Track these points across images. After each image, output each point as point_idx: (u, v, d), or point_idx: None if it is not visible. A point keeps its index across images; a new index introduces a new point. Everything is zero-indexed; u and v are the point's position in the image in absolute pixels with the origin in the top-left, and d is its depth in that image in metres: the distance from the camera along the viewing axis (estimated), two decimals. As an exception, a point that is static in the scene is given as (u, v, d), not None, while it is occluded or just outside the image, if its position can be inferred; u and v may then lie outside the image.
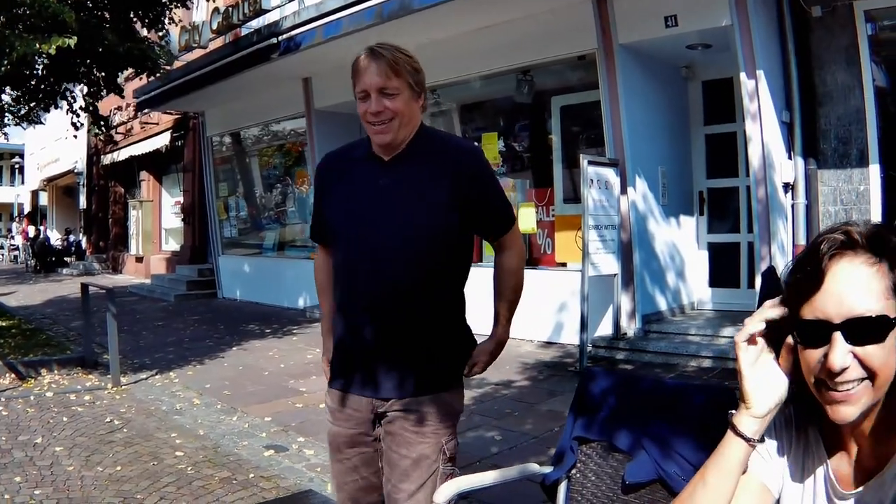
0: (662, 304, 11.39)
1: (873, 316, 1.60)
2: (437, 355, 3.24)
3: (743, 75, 9.74)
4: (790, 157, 10.05)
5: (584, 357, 10.12)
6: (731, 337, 9.68)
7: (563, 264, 12.02)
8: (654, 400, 3.13)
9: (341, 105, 15.11)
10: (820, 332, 1.66)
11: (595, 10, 10.97)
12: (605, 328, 11.14)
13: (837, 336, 1.62)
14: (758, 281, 9.64)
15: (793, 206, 10.06)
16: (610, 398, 3.22)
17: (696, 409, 3.00)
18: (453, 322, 3.39)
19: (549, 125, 12.96)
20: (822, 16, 9.93)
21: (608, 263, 10.69)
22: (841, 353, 1.62)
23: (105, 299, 10.51)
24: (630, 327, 10.93)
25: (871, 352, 1.61)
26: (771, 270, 7.69)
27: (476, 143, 3.44)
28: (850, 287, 1.62)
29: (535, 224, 12.59)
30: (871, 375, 1.63)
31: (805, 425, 1.93)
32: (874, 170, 9.75)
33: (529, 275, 11.45)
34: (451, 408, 3.27)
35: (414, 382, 3.17)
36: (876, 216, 9.68)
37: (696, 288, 12.15)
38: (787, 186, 10.01)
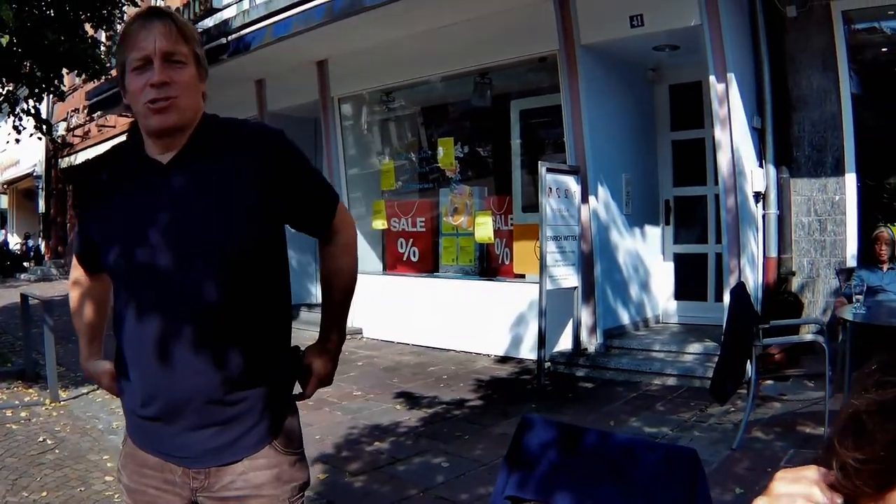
0: (625, 317, 10.85)
1: None
2: (262, 402, 2.46)
3: (712, 78, 9.27)
4: (761, 165, 9.68)
5: (542, 374, 9.57)
6: (698, 354, 9.45)
7: (522, 276, 11.52)
8: (601, 456, 2.73)
9: (295, 108, 14.75)
10: None
11: (557, 10, 10.39)
12: (564, 343, 10.55)
13: None
14: (726, 296, 9.04)
15: (764, 216, 9.72)
16: (550, 452, 2.81)
17: (650, 470, 2.61)
18: (278, 357, 2.58)
19: (507, 130, 12.31)
20: (797, 16, 9.57)
21: (567, 276, 10.15)
22: None
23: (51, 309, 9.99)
24: (591, 343, 10.35)
25: None
26: (741, 286, 7.25)
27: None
28: None
29: (492, 233, 12.01)
30: None
31: None
32: (850, 179, 9.44)
33: (487, 286, 11.08)
34: (287, 477, 2.52)
35: (236, 443, 2.42)
36: (851, 228, 9.40)
37: (661, 301, 11.66)
38: (757, 196, 9.61)
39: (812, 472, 1.12)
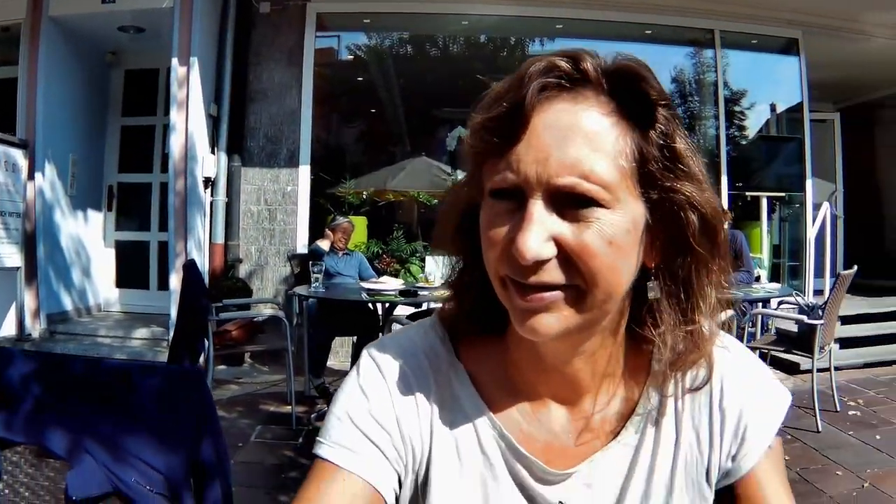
0: (69, 303, 10.33)
1: (595, 189, 1.03)
2: None
3: (175, 61, 9.19)
4: (213, 152, 9.69)
5: (-16, 358, 8.93)
6: (146, 339, 9.18)
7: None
8: (94, 387, 2.46)
9: None
10: (511, 197, 1.07)
11: (31, -25, 9.49)
12: (9, 327, 9.83)
13: (535, 207, 1.04)
14: (171, 281, 9.18)
15: (212, 202, 9.74)
16: (34, 387, 2.47)
17: (152, 394, 2.41)
18: None
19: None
20: (269, 13, 9.91)
21: (11, 255, 9.49)
22: (536, 235, 1.03)
23: None
24: (35, 327, 9.76)
25: (587, 241, 1.04)
26: (192, 263, 7.40)
27: None
28: (568, 140, 1.04)
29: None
30: (582, 279, 1.06)
31: (439, 361, 1.28)
32: (304, 171, 9.91)
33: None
34: None
35: None
36: (302, 217, 9.85)
37: (103, 288, 11.23)
38: (207, 181, 9.63)
39: None
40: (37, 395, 2.44)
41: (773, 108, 12.56)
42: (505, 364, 1.26)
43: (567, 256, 1.04)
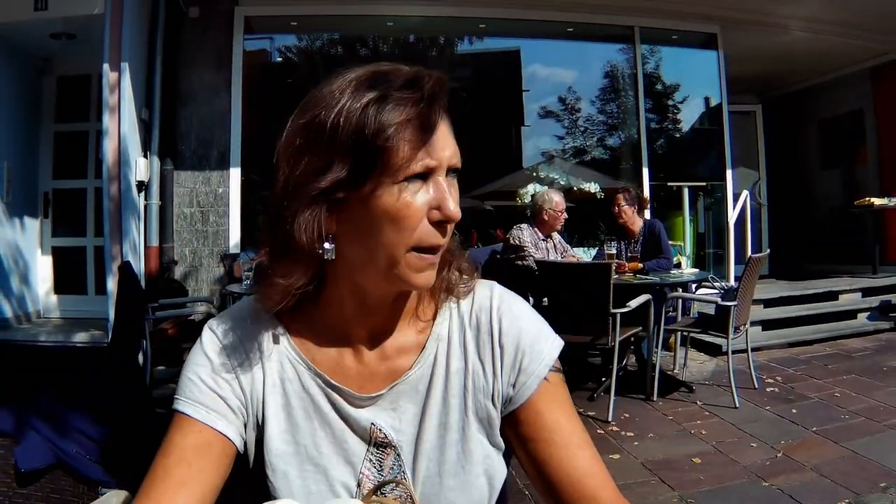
0: (8, 310, 10.21)
1: (460, 165, 1.40)
2: None
3: (106, 66, 9.24)
4: (146, 156, 9.77)
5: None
6: (85, 343, 9.07)
7: None
8: (36, 367, 2.38)
9: None
10: (419, 178, 1.34)
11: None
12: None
13: (446, 182, 1.37)
14: (109, 284, 9.19)
15: (146, 206, 9.80)
16: None
17: (90, 374, 2.30)
18: None
19: None
20: (199, 17, 9.98)
21: (-52, 264, 9.10)
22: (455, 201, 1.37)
23: None
24: (-26, 335, 9.41)
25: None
26: (127, 265, 7.51)
27: None
28: (449, 134, 1.40)
29: None
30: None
31: (263, 324, 1.56)
32: (235, 172, 9.99)
33: None
34: None
35: None
36: (234, 218, 9.99)
37: (42, 295, 11.18)
38: (141, 185, 9.69)
39: None
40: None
41: (693, 101, 12.83)
42: (322, 318, 1.54)
43: None
